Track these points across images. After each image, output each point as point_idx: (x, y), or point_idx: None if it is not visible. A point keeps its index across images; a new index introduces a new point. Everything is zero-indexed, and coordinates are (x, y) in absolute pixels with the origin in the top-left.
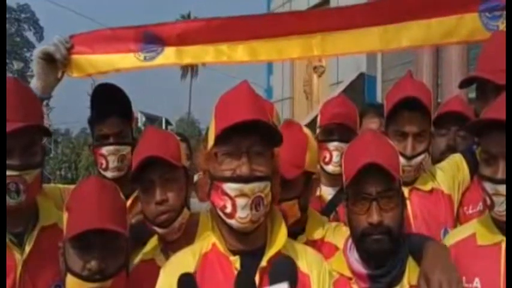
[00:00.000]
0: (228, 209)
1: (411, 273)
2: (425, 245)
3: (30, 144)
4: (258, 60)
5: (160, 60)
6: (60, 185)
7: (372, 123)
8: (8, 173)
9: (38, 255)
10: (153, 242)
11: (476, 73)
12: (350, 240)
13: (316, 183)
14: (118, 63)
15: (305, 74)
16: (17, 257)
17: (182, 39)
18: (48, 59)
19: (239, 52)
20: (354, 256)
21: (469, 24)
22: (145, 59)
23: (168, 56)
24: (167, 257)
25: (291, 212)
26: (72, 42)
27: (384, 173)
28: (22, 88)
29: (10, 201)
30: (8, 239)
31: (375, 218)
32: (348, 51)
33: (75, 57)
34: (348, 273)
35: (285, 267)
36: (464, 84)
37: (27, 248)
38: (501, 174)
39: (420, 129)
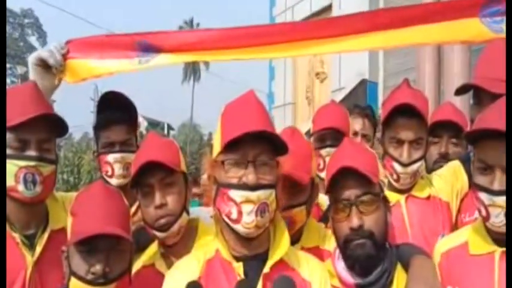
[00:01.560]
0: (234, 215)
1: (399, 283)
2: (412, 258)
3: (46, 140)
4: (256, 58)
5: (155, 62)
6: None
7: (355, 124)
8: (24, 163)
9: (48, 258)
10: (153, 247)
11: (472, 81)
12: (338, 249)
13: (318, 188)
14: (112, 67)
15: (307, 80)
16: (27, 258)
17: (178, 49)
18: (43, 65)
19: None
20: (341, 265)
21: (471, 27)
22: (140, 62)
23: (164, 58)
24: (167, 261)
25: (299, 217)
26: (68, 47)
27: (360, 176)
28: (39, 90)
29: (26, 192)
30: (20, 240)
31: (354, 222)
32: (347, 50)
33: (70, 62)
34: (336, 283)
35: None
36: (461, 91)
37: (38, 250)
38: (498, 185)
39: (416, 136)
